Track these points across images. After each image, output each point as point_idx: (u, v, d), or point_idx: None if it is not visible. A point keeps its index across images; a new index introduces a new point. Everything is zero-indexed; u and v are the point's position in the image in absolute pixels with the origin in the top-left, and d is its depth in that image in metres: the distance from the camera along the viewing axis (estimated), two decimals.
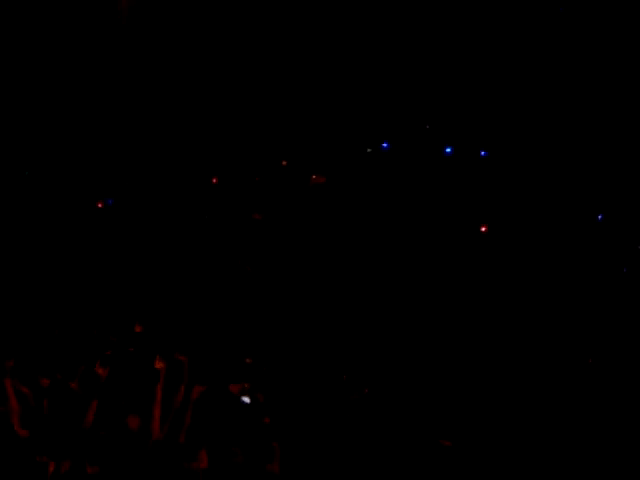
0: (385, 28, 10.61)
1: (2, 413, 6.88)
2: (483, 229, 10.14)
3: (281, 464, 7.25)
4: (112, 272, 10.11)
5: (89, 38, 10.29)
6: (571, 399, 8.74)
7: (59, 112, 10.34)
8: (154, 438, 7.38)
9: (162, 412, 7.57)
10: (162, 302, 9.82)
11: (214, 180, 10.36)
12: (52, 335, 8.65)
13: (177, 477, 7.13)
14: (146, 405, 7.58)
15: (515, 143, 10.40)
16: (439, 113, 10.53)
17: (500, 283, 10.02)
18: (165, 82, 10.46)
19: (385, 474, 8.02)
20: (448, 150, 10.40)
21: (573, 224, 10.16)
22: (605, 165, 10.16)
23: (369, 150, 10.49)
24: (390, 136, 10.51)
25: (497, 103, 10.39)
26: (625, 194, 10.10)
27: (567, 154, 10.32)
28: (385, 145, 10.48)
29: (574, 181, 10.28)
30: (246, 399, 8.33)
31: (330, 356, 9.29)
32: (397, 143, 10.53)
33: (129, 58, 10.36)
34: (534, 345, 9.36)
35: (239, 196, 10.48)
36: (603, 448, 8.23)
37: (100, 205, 10.11)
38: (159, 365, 7.71)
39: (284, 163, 10.48)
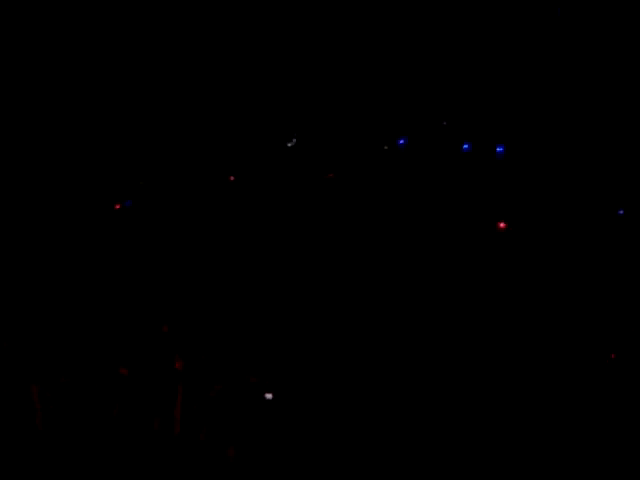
0: (400, 24, 10.59)
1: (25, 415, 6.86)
2: (501, 225, 10.08)
3: (286, 463, 7.20)
4: (127, 273, 10.06)
5: (92, 37, 10.27)
6: (571, 399, 8.68)
7: (67, 111, 10.32)
8: (175, 434, 7.35)
9: (182, 410, 7.52)
10: (177, 302, 9.77)
11: (231, 178, 10.30)
12: (72, 336, 8.61)
13: (197, 474, 7.08)
14: (167, 404, 7.53)
15: (530, 139, 10.36)
16: (455, 109, 10.47)
17: (513, 280, 9.96)
18: (173, 79, 10.43)
19: (385, 474, 7.97)
20: (466, 147, 10.33)
21: (587, 221, 10.10)
22: (619, 162, 10.10)
23: (386, 147, 10.43)
24: (407, 132, 10.46)
25: (513, 99, 10.34)
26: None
27: (579, 150, 10.28)
28: (402, 142, 10.42)
29: (587, 176, 10.23)
30: (269, 395, 8.29)
31: (337, 355, 9.24)
32: (414, 139, 10.47)
33: (135, 56, 10.34)
34: (537, 344, 9.30)
35: (251, 193, 10.43)
36: (603, 448, 8.17)
37: (118, 207, 10.05)
38: (178, 364, 7.68)
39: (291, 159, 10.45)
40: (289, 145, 10.33)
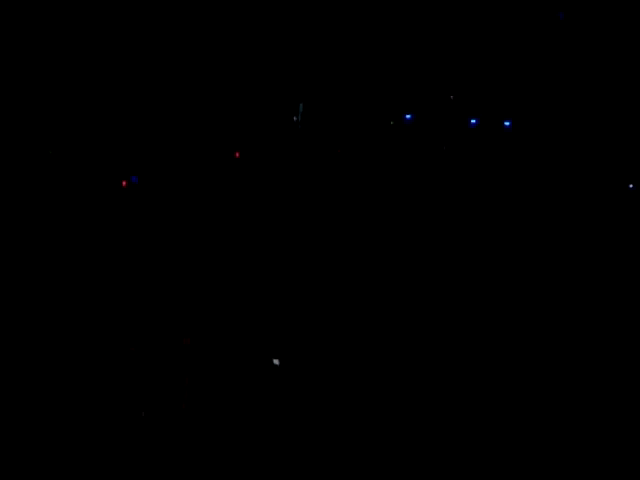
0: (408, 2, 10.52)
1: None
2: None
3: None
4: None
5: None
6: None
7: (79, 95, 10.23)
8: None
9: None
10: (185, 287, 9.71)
11: (236, 154, 10.20)
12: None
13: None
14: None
15: (538, 114, 10.27)
16: (462, 84, 10.37)
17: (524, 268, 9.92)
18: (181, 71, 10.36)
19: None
20: (473, 122, 10.22)
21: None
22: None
23: (392, 123, 10.32)
24: (413, 108, 10.36)
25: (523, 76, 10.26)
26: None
27: (587, 127, 10.20)
28: (408, 117, 10.31)
29: (595, 154, 10.17)
30: (276, 361, 8.25)
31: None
32: (421, 115, 10.38)
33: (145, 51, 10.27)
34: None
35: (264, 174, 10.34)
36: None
37: (124, 184, 9.96)
38: (186, 341, 7.69)
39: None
40: (295, 119, 10.25)
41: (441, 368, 9.05)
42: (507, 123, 10.14)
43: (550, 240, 9.93)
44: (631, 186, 10.01)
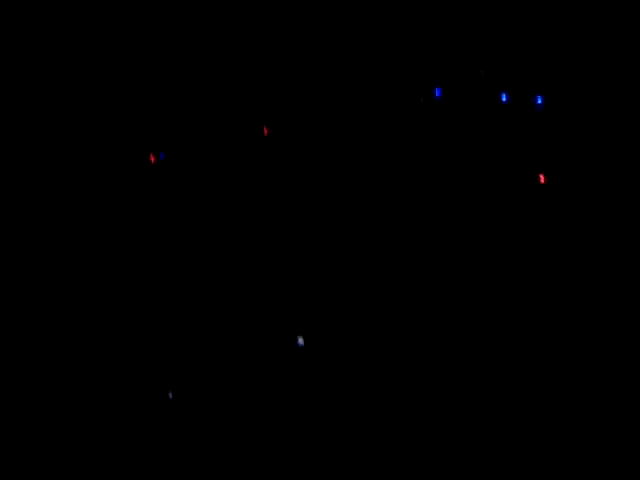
0: None
1: None
2: (542, 178, 9.85)
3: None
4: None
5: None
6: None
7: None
8: None
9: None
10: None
11: (265, 131, 10.10)
12: None
13: None
14: None
15: (572, 89, 10.14)
16: (492, 58, 10.24)
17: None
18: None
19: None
20: (504, 98, 10.08)
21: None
22: None
23: (422, 99, 10.20)
24: (443, 83, 10.24)
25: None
26: None
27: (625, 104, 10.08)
28: (438, 92, 10.17)
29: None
30: (300, 340, 8.24)
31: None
32: (450, 90, 10.25)
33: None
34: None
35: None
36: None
37: (152, 159, 9.91)
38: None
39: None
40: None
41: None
42: (539, 100, 9.99)
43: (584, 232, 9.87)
44: None
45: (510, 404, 8.70)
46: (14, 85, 10.06)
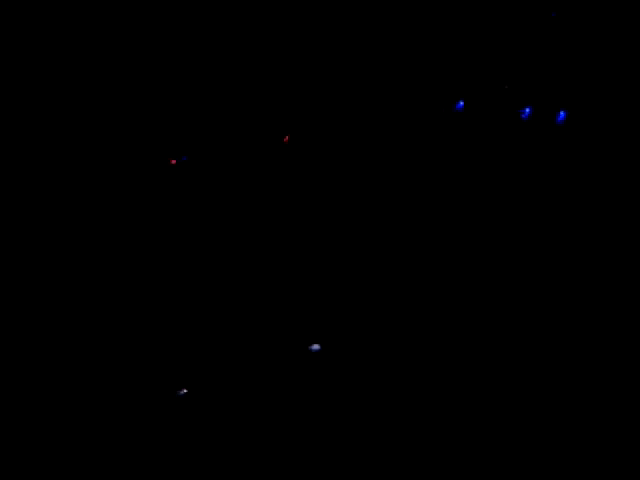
0: None
1: None
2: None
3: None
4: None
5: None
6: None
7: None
8: None
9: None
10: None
11: (285, 139, 10.12)
12: None
13: None
14: None
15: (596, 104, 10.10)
16: (517, 72, 10.22)
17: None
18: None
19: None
20: (526, 112, 10.06)
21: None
22: None
23: (443, 110, 10.19)
24: (465, 95, 10.22)
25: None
26: None
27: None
28: (460, 105, 10.15)
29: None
30: (316, 346, 8.25)
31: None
32: (472, 103, 10.24)
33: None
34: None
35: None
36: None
37: (174, 162, 9.94)
38: None
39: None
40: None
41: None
42: (562, 115, 9.97)
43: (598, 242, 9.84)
44: None
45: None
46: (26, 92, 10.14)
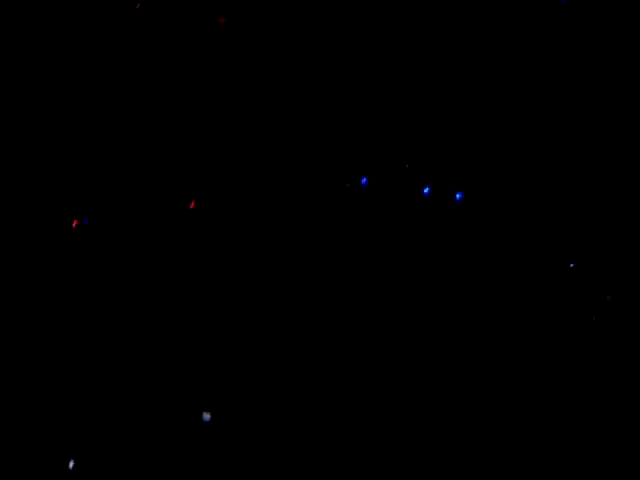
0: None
1: None
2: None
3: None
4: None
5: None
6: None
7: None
8: None
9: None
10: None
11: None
12: None
13: None
14: None
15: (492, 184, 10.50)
16: (418, 152, 10.60)
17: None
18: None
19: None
20: (426, 190, 10.45)
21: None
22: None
23: (348, 185, 10.50)
24: (369, 172, 10.55)
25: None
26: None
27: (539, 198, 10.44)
28: (364, 181, 10.49)
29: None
30: (207, 415, 8.28)
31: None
32: (376, 179, 10.57)
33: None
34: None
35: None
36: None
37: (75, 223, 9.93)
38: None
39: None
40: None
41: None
42: (459, 195, 10.40)
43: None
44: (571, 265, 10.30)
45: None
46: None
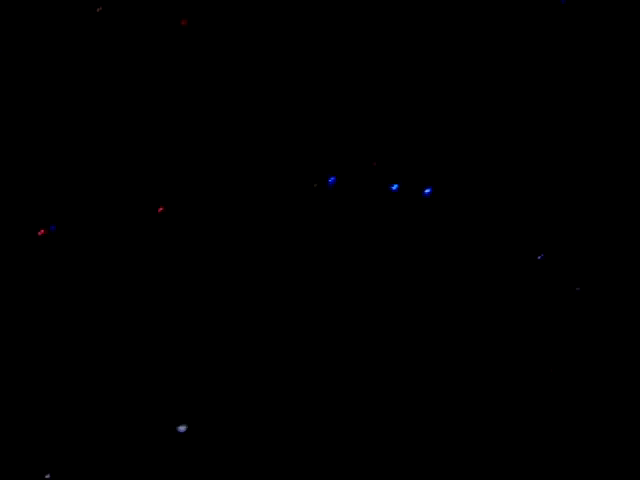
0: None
1: None
2: None
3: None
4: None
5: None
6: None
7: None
8: None
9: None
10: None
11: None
12: None
13: None
14: None
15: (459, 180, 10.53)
16: (387, 150, 10.60)
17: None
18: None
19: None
20: (395, 187, 10.44)
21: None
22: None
23: (315, 185, 10.49)
24: (336, 171, 10.54)
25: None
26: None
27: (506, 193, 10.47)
28: (332, 180, 10.46)
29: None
30: (182, 428, 8.24)
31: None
32: (343, 178, 10.57)
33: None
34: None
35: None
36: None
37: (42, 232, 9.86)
38: None
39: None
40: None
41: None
42: (427, 190, 10.40)
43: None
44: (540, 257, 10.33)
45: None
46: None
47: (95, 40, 10.14)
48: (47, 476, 7.46)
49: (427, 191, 10.32)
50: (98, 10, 9.80)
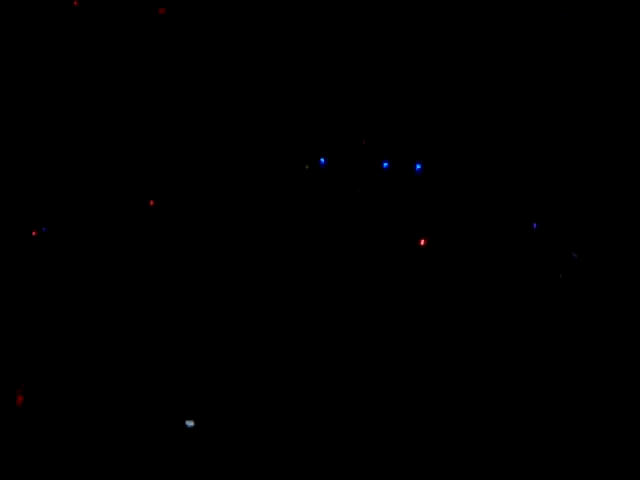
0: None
1: None
2: (422, 242, 10.23)
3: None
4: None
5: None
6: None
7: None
8: None
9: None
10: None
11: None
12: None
13: None
14: None
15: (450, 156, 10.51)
16: (374, 128, 10.59)
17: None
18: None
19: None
20: (385, 165, 10.45)
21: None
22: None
23: (307, 167, 10.50)
24: (327, 152, 10.55)
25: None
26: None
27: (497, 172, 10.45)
28: (323, 161, 10.48)
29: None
30: (190, 423, 8.31)
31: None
32: (334, 158, 10.56)
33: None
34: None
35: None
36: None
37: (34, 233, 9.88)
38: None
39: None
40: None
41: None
42: (418, 166, 10.42)
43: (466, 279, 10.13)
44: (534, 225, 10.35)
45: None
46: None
47: (85, 36, 10.12)
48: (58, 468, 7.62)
49: (417, 167, 10.36)
50: (75, 4, 9.74)
